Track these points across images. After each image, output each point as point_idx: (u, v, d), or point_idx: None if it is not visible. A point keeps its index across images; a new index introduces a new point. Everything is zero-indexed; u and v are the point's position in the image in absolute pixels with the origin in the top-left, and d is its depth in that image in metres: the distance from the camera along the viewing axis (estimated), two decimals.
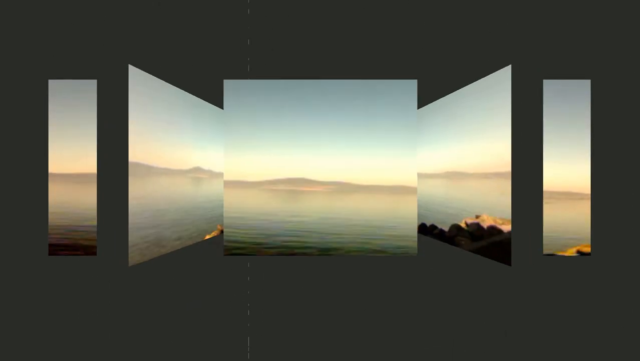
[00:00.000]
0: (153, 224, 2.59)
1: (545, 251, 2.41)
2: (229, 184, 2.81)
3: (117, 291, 2.46)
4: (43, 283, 2.45)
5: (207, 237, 2.99)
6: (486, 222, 2.43)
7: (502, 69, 2.44)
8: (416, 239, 2.74)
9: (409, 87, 2.71)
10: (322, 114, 2.99)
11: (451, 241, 2.72)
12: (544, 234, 2.41)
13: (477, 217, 2.52)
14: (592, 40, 2.49)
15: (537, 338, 2.42)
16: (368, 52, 2.60)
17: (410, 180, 2.79)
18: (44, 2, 2.48)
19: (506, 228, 2.27)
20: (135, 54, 2.50)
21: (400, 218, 2.87)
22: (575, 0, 2.50)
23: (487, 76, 2.51)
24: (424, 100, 2.73)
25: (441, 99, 2.71)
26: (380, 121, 2.94)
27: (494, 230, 2.36)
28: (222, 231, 2.87)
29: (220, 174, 2.97)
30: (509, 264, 2.33)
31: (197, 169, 3.01)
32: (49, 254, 2.45)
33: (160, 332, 2.49)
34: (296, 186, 2.93)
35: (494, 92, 2.47)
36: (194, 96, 2.71)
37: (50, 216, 2.46)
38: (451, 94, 2.68)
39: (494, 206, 2.39)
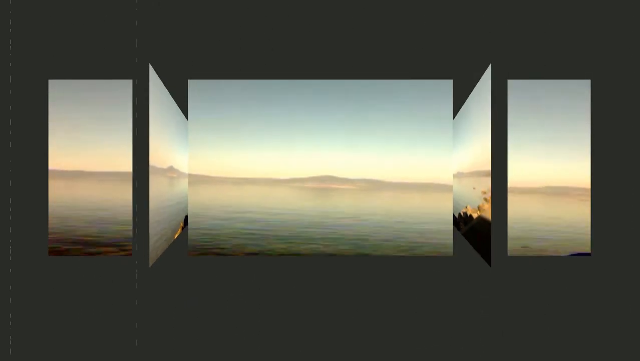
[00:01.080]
0: (162, 222, 2.68)
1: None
2: (258, 181, 3.26)
3: (141, 290, 2.49)
4: (43, 282, 2.46)
5: (175, 236, 3.06)
6: (468, 211, 3.02)
7: (485, 71, 2.52)
8: (451, 240, 2.86)
9: (444, 87, 2.75)
10: (357, 113, 3.28)
11: (458, 227, 3.33)
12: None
13: (465, 207, 3.11)
14: (592, 40, 2.54)
15: (536, 338, 2.47)
16: (404, 52, 2.63)
17: (445, 178, 3.26)
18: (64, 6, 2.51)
19: (475, 214, 2.84)
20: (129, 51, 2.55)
21: (435, 216, 3.21)
22: (574, 1, 2.56)
23: (481, 78, 2.64)
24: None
25: (464, 105, 3.01)
26: (416, 121, 3.27)
27: (471, 218, 2.95)
28: (183, 228, 3.00)
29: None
30: (488, 259, 2.43)
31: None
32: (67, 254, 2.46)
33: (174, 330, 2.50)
34: (326, 183, 3.31)
35: (482, 93, 2.61)
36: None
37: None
38: (468, 97, 2.88)
39: (474, 200, 2.96)
